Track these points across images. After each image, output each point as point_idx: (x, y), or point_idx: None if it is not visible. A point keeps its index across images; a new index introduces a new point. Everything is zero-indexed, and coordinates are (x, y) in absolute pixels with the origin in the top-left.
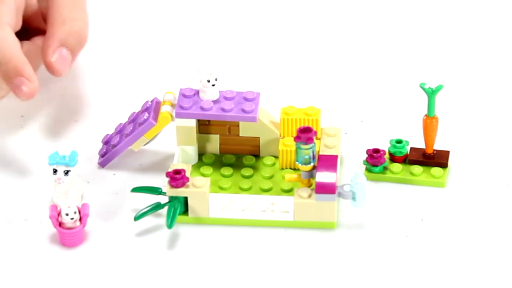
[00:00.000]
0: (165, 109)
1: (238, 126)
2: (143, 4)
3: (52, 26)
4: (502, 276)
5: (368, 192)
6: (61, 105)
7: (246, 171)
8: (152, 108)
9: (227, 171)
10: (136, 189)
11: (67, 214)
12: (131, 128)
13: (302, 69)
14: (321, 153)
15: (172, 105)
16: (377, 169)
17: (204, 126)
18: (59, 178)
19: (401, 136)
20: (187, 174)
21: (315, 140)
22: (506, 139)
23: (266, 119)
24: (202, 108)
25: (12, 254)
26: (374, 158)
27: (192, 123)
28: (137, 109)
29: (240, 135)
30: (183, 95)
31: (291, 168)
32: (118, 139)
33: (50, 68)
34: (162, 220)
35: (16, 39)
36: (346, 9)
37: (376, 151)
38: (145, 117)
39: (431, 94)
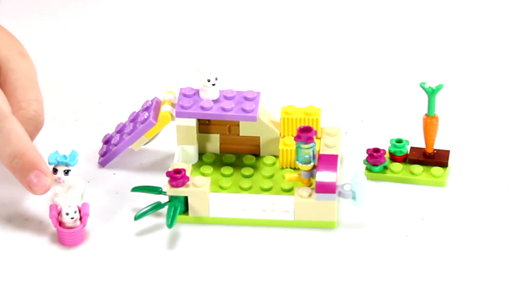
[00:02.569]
0: (165, 108)
1: (238, 125)
2: (143, 4)
3: None
4: (502, 276)
5: (368, 192)
6: (61, 105)
7: (246, 171)
8: (152, 108)
9: (227, 170)
10: (136, 189)
11: (67, 214)
12: (131, 128)
13: (302, 69)
14: (321, 152)
15: (172, 105)
16: (377, 168)
17: (204, 126)
18: (59, 177)
19: (401, 135)
20: (187, 173)
21: (315, 140)
22: (506, 139)
23: (266, 119)
24: (202, 108)
25: (12, 254)
26: (374, 158)
27: (192, 122)
28: (137, 108)
29: (240, 134)
30: (183, 94)
31: (291, 168)
32: (118, 139)
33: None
34: (162, 220)
35: (24, 130)
36: (346, 9)
37: (376, 150)
38: (145, 117)
39: (431, 93)
